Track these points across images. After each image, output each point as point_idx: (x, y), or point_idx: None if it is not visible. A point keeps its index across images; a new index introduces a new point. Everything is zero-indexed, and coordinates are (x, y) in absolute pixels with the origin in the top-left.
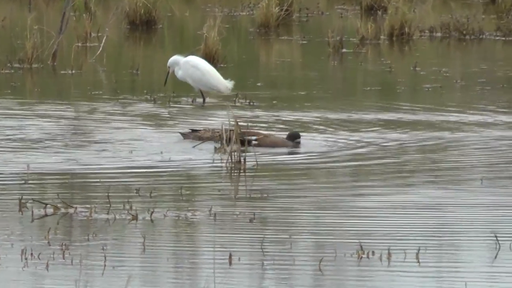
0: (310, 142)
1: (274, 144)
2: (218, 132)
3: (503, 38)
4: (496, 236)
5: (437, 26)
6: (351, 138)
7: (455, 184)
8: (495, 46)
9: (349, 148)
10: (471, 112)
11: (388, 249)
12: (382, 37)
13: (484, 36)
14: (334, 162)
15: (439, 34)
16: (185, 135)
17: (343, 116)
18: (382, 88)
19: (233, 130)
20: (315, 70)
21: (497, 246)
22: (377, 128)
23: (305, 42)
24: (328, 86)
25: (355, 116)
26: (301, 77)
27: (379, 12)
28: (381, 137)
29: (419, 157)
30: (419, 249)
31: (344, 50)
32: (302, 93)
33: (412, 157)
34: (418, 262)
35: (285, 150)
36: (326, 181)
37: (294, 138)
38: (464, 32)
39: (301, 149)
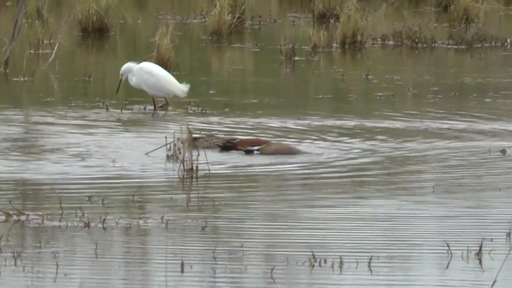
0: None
1: (278, 151)
2: (216, 141)
3: (455, 47)
4: (448, 245)
5: (390, 34)
6: (305, 146)
7: (408, 194)
8: (447, 54)
9: (304, 157)
10: (423, 120)
11: (340, 258)
12: (334, 45)
13: (436, 44)
14: (288, 171)
15: (391, 42)
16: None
17: (299, 123)
18: (334, 96)
19: (234, 139)
20: (267, 78)
21: (449, 255)
22: (333, 137)
23: (257, 49)
24: (281, 94)
25: (309, 123)
26: (253, 84)
27: (332, 20)
28: (336, 146)
29: (373, 167)
30: (371, 258)
31: (296, 58)
32: (255, 100)
33: (366, 167)
34: (370, 271)
35: (289, 158)
36: (279, 191)
37: None
38: (416, 40)
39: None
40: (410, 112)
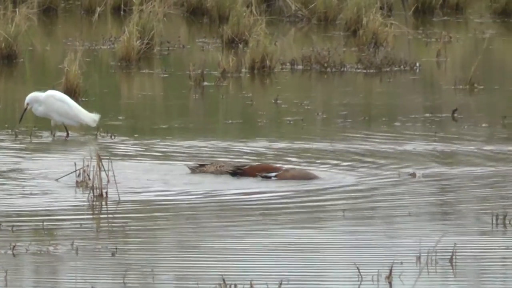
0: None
1: (294, 177)
2: (223, 166)
3: (364, 71)
4: (358, 269)
5: (299, 59)
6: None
7: (318, 219)
8: (356, 78)
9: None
10: (332, 144)
11: (251, 283)
12: (243, 70)
13: (345, 68)
14: (197, 197)
15: (300, 67)
16: (192, 169)
17: (209, 146)
18: (244, 120)
19: (243, 166)
20: (177, 103)
21: (359, 279)
22: (245, 160)
23: (166, 75)
24: (190, 119)
25: (218, 146)
26: (162, 110)
27: (240, 45)
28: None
29: (283, 195)
30: (281, 282)
31: (205, 83)
32: (164, 126)
33: (276, 195)
34: None
35: (304, 183)
36: (186, 216)
37: None
38: (325, 64)
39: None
40: (320, 136)
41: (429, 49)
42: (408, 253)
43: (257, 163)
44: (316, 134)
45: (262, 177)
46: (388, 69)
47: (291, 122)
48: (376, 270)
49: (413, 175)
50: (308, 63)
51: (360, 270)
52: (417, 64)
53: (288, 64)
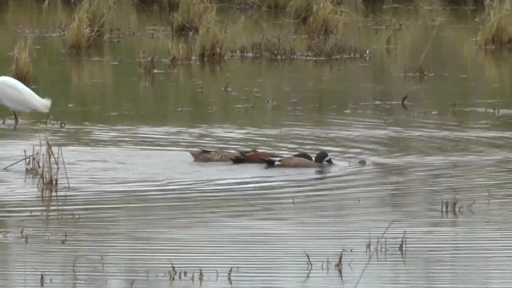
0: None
1: (298, 165)
2: (228, 154)
3: (314, 58)
4: (308, 256)
5: (249, 46)
6: (167, 159)
7: (268, 207)
8: (306, 66)
9: (168, 171)
10: (282, 131)
11: (200, 270)
12: (193, 57)
13: (295, 56)
14: (150, 185)
15: (250, 54)
16: (195, 156)
17: (157, 133)
18: (193, 108)
19: (247, 153)
20: (127, 91)
21: (309, 266)
22: (187, 146)
23: (116, 63)
24: (140, 107)
25: (170, 131)
26: (112, 98)
27: (191, 33)
28: (197, 163)
29: (237, 186)
30: (231, 270)
31: (155, 70)
32: (114, 113)
33: (230, 186)
34: (230, 282)
35: (309, 171)
36: (137, 206)
37: (322, 158)
38: (276, 52)
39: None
40: (270, 124)
41: (379, 36)
42: (358, 241)
43: (261, 150)
44: (266, 122)
45: (267, 162)
46: (338, 57)
47: (241, 109)
48: (326, 258)
49: (362, 162)
50: (258, 51)
51: (310, 258)
52: (367, 52)
53: (238, 51)
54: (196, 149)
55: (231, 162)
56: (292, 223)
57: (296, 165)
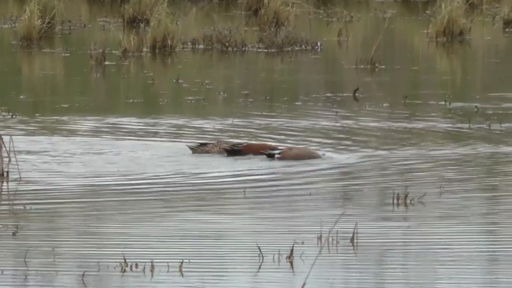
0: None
1: (297, 156)
2: (225, 145)
3: (266, 50)
4: (259, 249)
5: (200, 38)
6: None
7: (219, 200)
8: (257, 58)
9: (118, 165)
10: (233, 122)
11: (152, 262)
12: (144, 49)
13: (246, 48)
14: (103, 180)
15: (201, 46)
16: (193, 149)
17: (110, 124)
18: (145, 100)
19: (240, 144)
20: (78, 83)
21: (261, 259)
22: (135, 138)
23: (67, 54)
24: (91, 98)
25: (120, 123)
26: (63, 89)
27: (142, 25)
28: (140, 156)
29: (187, 180)
30: (182, 262)
31: (106, 62)
32: (65, 105)
33: (182, 181)
34: (182, 274)
35: (303, 162)
36: (88, 198)
37: None
38: (227, 44)
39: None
40: (220, 114)
41: (331, 28)
42: (309, 233)
43: (255, 142)
44: (217, 113)
45: (267, 155)
46: (289, 49)
47: (193, 101)
48: (277, 251)
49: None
50: (210, 43)
51: (262, 251)
52: (319, 44)
53: (189, 43)
54: (193, 143)
55: (226, 154)
56: (244, 217)
57: (296, 156)
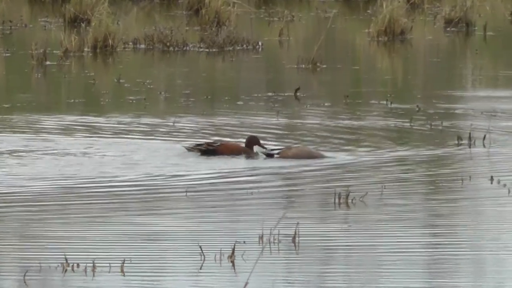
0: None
1: (296, 156)
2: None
3: (207, 50)
4: (201, 248)
5: (141, 38)
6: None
7: (161, 199)
8: (199, 57)
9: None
10: (175, 123)
11: (93, 262)
12: (86, 49)
13: (188, 47)
14: (45, 182)
15: (143, 46)
16: (189, 150)
17: (53, 125)
18: (86, 100)
19: (214, 143)
20: (19, 83)
21: (202, 258)
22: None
23: (8, 54)
24: (32, 98)
25: (61, 124)
26: (4, 89)
27: (83, 24)
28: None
29: (128, 182)
30: (124, 262)
31: (48, 62)
32: (6, 105)
33: (123, 184)
34: (123, 273)
35: (310, 161)
36: (29, 202)
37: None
38: (168, 44)
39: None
40: (162, 114)
41: (272, 28)
42: (251, 233)
43: (229, 142)
44: (158, 113)
45: (265, 154)
46: (230, 48)
47: (134, 101)
48: (219, 250)
49: (256, 154)
50: (151, 42)
51: (203, 250)
52: (260, 43)
53: (130, 43)
54: (191, 144)
55: (199, 153)
56: (186, 216)
57: (295, 156)
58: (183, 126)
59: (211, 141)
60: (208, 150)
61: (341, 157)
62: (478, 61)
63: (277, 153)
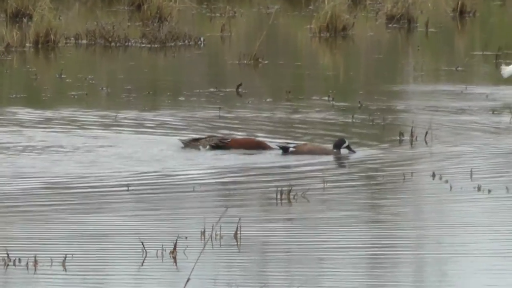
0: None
1: (310, 152)
2: (216, 141)
3: (149, 45)
4: (143, 244)
5: (83, 34)
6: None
7: (102, 194)
8: (141, 53)
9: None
10: (116, 117)
11: (35, 257)
12: (27, 44)
13: (130, 43)
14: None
15: (84, 42)
16: (185, 144)
17: None
18: (28, 95)
19: (225, 139)
20: None
21: (144, 254)
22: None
23: None
24: None
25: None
26: None
27: (25, 20)
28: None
29: (68, 180)
30: (65, 257)
31: None
32: None
33: (64, 181)
34: (65, 269)
35: (325, 159)
36: None
37: (340, 146)
38: (110, 39)
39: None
40: (104, 110)
41: (214, 24)
42: (193, 228)
43: (240, 137)
44: (100, 108)
45: (281, 148)
46: (172, 44)
47: (76, 96)
48: (161, 246)
49: (197, 148)
50: (93, 38)
51: (145, 246)
52: (202, 39)
53: (72, 38)
54: (186, 138)
55: (210, 148)
56: (128, 212)
57: (309, 152)
58: (123, 121)
59: (220, 135)
60: (218, 146)
61: (281, 152)
62: (420, 57)
63: (293, 147)
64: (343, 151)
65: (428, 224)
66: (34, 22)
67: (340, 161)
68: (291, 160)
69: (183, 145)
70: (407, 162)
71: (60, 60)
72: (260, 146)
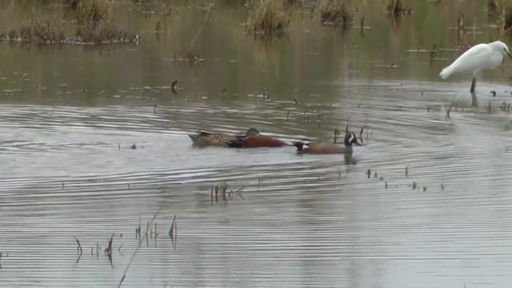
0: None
1: (324, 150)
2: (226, 138)
3: (84, 43)
4: (78, 242)
5: (18, 31)
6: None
7: (36, 192)
8: (76, 50)
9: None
10: (51, 114)
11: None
12: None
13: (65, 41)
14: None
15: (19, 39)
16: (193, 138)
17: None
18: None
19: (243, 137)
20: None
21: (79, 252)
22: None
23: None
24: None
25: None
26: None
27: None
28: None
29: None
30: (0, 255)
31: None
32: None
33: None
34: (0, 267)
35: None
36: None
37: (347, 140)
38: (45, 37)
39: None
40: (39, 107)
41: (149, 21)
42: (128, 226)
43: (259, 136)
44: (36, 105)
45: (295, 144)
46: (107, 42)
47: (11, 94)
48: (96, 244)
49: (134, 147)
50: (28, 35)
51: (80, 244)
52: (137, 37)
53: (7, 36)
54: (195, 132)
55: (227, 146)
56: (63, 210)
57: (322, 150)
58: (59, 117)
59: (213, 133)
60: (235, 144)
61: (217, 151)
62: (355, 54)
63: (307, 144)
64: (352, 146)
65: (363, 225)
66: None
67: (275, 158)
68: (224, 156)
69: (192, 140)
70: (342, 159)
71: None
72: (277, 144)
